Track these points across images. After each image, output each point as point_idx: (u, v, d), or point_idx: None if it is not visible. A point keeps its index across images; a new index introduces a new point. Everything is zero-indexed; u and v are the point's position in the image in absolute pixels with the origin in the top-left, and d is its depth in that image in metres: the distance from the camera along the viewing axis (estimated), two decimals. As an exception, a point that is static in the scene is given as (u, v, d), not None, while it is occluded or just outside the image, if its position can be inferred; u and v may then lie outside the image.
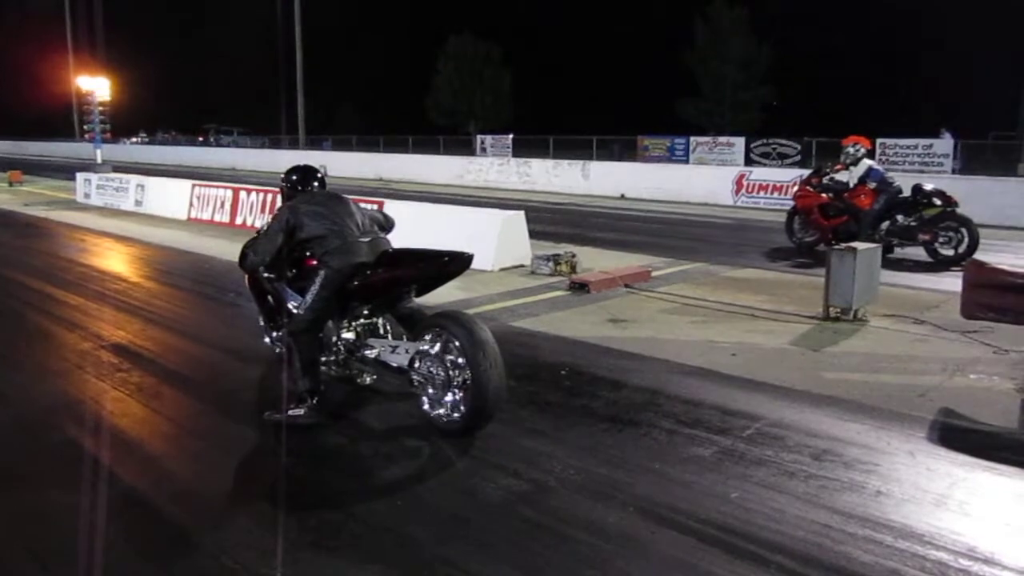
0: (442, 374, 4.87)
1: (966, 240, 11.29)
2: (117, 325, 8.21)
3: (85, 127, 22.08)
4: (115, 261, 12.55)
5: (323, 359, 5.43)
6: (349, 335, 5.56)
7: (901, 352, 6.91)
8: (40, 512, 4.12)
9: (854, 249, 7.78)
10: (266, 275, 5.99)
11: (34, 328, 8.21)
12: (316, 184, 5.84)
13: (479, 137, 36.40)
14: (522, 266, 10.96)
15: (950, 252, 11.38)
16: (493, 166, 28.44)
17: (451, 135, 43.52)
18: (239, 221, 14.91)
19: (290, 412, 5.18)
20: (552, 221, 16.49)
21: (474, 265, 10.26)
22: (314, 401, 5.21)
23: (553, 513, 4.02)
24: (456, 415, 4.83)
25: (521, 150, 32.11)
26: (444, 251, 5.21)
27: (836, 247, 8.12)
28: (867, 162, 12.24)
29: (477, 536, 3.81)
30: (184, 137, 63.38)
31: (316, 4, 40.14)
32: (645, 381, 6.12)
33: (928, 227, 11.51)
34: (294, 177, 5.86)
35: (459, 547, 3.71)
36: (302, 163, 6.17)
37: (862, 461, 4.61)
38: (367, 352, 5.43)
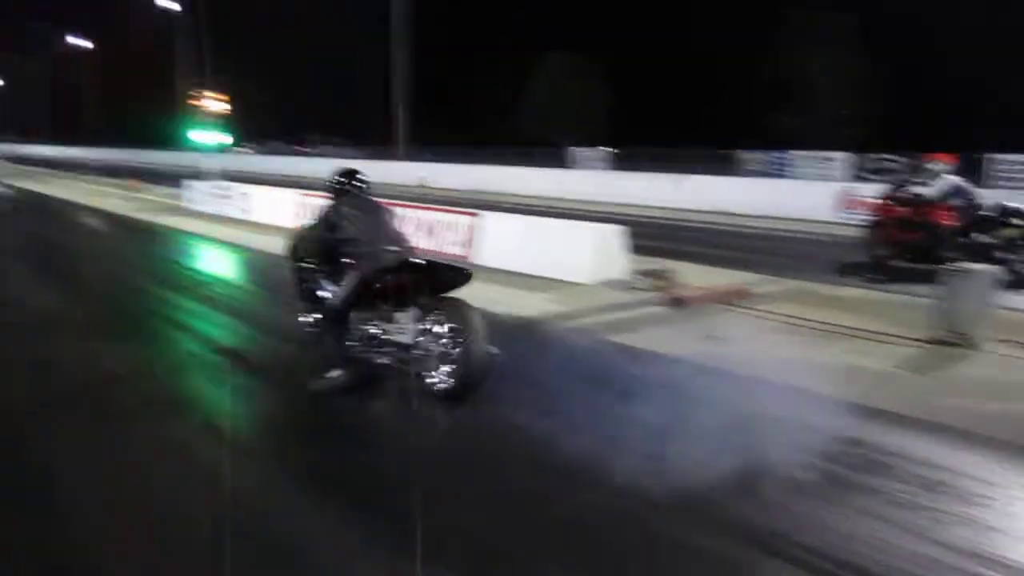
0: (438, 348, 5.76)
1: None
2: (226, 329, 8.54)
3: (195, 137, 23.05)
4: (222, 266, 13.04)
5: (347, 342, 6.18)
6: (369, 327, 6.18)
7: (1018, 379, 6.58)
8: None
9: (971, 270, 7.47)
10: (305, 264, 6.64)
11: (149, 329, 8.60)
12: (360, 188, 6.62)
13: (575, 150, 36.41)
14: (619, 280, 10.89)
15: None
16: (588, 179, 28.44)
17: (547, 147, 43.63)
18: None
19: (325, 376, 6.09)
20: (648, 235, 16.31)
21: (571, 278, 10.40)
22: (342, 372, 6.11)
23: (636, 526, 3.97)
24: (451, 380, 5.70)
25: (617, 163, 31.98)
26: (451, 265, 6.31)
27: (955, 266, 7.80)
28: (948, 178, 11.74)
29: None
30: (288, 147, 65.38)
31: (416, 16, 40.79)
32: (746, 401, 5.99)
33: (1008, 247, 10.97)
34: (341, 179, 6.63)
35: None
36: (349, 166, 6.91)
37: (977, 494, 4.42)
38: (381, 335, 6.12)
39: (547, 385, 6.46)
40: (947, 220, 11.39)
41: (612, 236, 11.30)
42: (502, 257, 11.85)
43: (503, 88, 62.16)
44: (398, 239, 6.41)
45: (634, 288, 10.49)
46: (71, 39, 77.42)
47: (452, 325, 5.72)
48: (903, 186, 12.44)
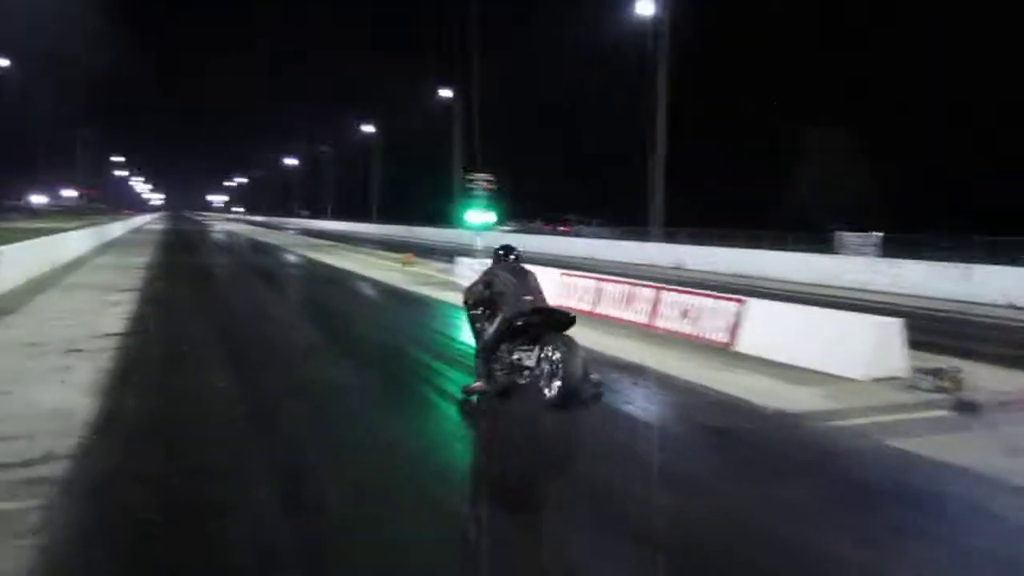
0: (548, 368, 7.94)
1: None
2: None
3: (466, 215, 24.49)
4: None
5: (495, 364, 8.38)
6: (509, 355, 8.34)
7: None
8: None
9: None
10: (472, 310, 8.91)
11: (421, 399, 9.09)
12: (513, 257, 8.91)
13: (841, 234, 34.67)
14: (897, 378, 10.05)
15: None
16: (857, 265, 26.85)
17: (809, 231, 41.88)
18: (600, 311, 15.47)
19: (473, 386, 8.46)
20: (930, 330, 15.04)
21: (842, 373, 9.79)
22: (487, 382, 8.37)
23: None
24: (555, 393, 7.79)
25: (890, 249, 29.99)
26: (565, 311, 8.79)
27: None
28: None
29: None
30: (547, 226, 67.89)
31: (671, 95, 41.15)
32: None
33: None
34: (500, 251, 9.05)
35: None
36: (507, 242, 9.42)
37: None
38: (515, 359, 8.29)
39: (818, 492, 6.06)
40: None
41: (890, 329, 10.49)
42: (767, 346, 11.39)
43: (763, 167, 60.87)
44: (534, 292, 8.52)
45: (915, 388, 9.64)
46: (362, 127, 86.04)
47: (560, 353, 7.83)
48: None
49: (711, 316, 12.60)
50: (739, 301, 12.29)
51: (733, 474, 6.52)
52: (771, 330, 11.54)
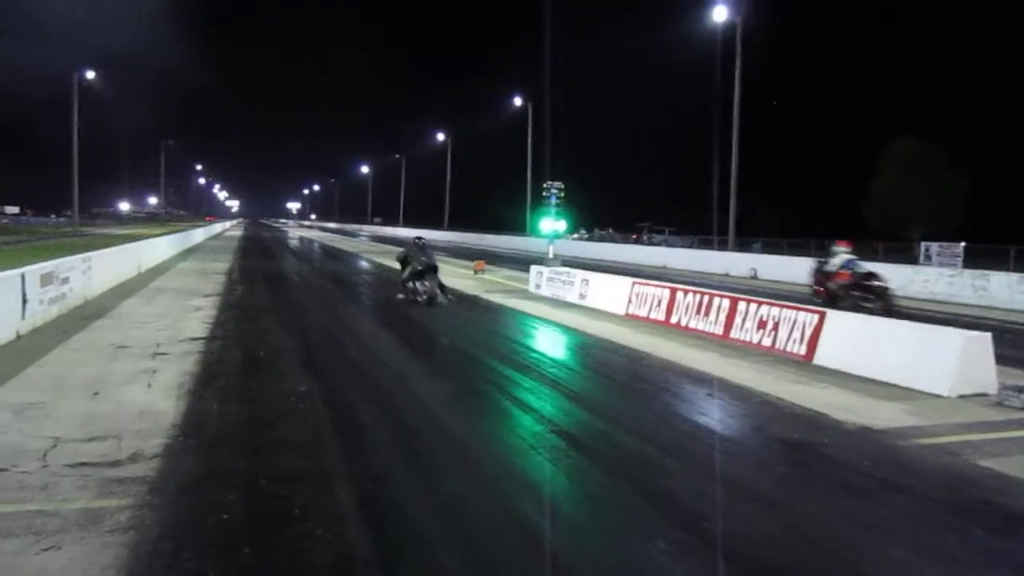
0: (423, 289, 17.81)
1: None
2: (563, 411, 8.83)
3: (540, 224, 24.62)
4: (560, 350, 13.58)
5: (409, 289, 18.22)
6: (413, 284, 18.00)
7: None
8: None
9: None
10: (402, 267, 18.77)
11: (495, 406, 9.13)
12: (420, 241, 19.02)
13: (924, 244, 33.62)
14: (984, 395, 9.71)
15: None
16: (942, 277, 25.96)
17: (890, 240, 40.71)
18: (674, 320, 15.31)
19: (399, 296, 18.54)
20: (1018, 344, 14.49)
21: (927, 389, 9.54)
22: (403, 296, 18.38)
23: None
24: (424, 299, 17.75)
25: (975, 260, 28.93)
26: (434, 266, 18.20)
27: None
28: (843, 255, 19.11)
29: None
30: (619, 235, 67.51)
31: (746, 105, 40.47)
32: None
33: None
34: (416, 239, 19.48)
35: None
36: (419, 233, 23.21)
37: None
38: (418, 286, 17.87)
39: (904, 512, 5.88)
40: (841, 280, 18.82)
41: (978, 343, 10.12)
42: (847, 359, 11.11)
43: (839, 175, 59.48)
44: (428, 259, 17.93)
45: (1004, 405, 9.29)
46: (435, 134, 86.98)
47: (427, 283, 17.58)
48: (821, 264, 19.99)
49: (789, 328, 12.35)
50: (819, 312, 12.02)
51: (810, 490, 6.37)
52: (852, 343, 11.25)
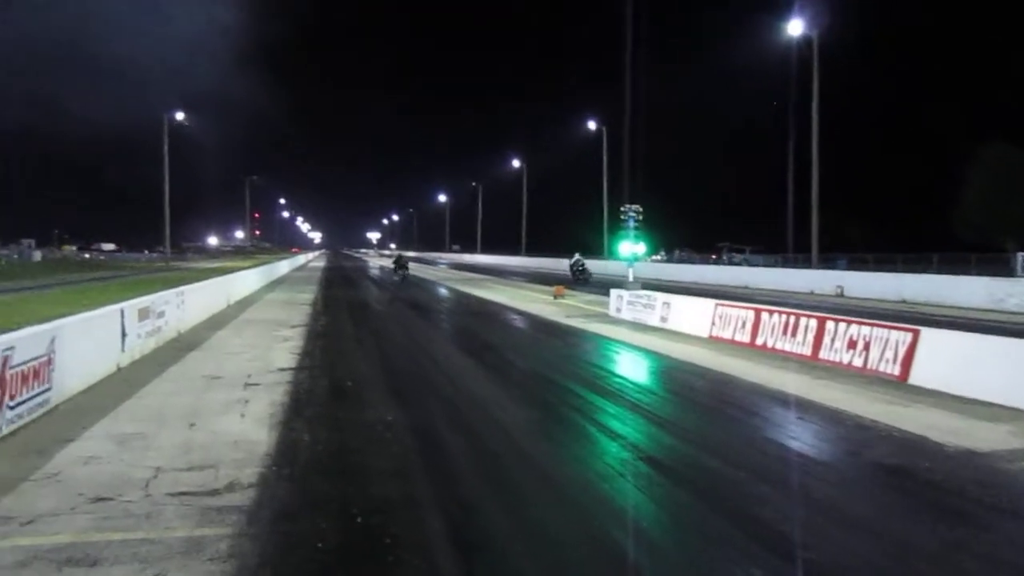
0: (402, 275, 42.96)
1: None
2: (650, 437, 8.73)
3: (619, 247, 24.53)
4: (643, 374, 13.46)
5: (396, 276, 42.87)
6: (398, 273, 43.67)
7: None
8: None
9: None
10: (393, 262, 47.45)
11: (579, 432, 9.08)
12: (399, 255, 51.37)
13: (1020, 255, 32.30)
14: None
15: None
16: (1043, 290, 24.82)
17: (984, 252, 39.16)
18: (760, 342, 15.01)
19: (393, 279, 43.09)
20: None
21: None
22: (396, 279, 42.65)
23: None
24: (399, 280, 41.83)
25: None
26: (406, 262, 45.55)
27: None
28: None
29: None
30: (698, 255, 66.69)
31: (825, 120, 39.61)
32: None
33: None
34: (399, 253, 59.10)
35: None
36: (401, 251, 60.85)
37: None
38: (398, 271, 43.81)
39: (1014, 540, 5.61)
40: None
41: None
42: (945, 378, 10.71)
43: (926, 186, 57.53)
44: (405, 261, 45.58)
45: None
46: (511, 161, 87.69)
47: (402, 273, 42.86)
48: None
49: (881, 347, 11.98)
50: (912, 331, 11.63)
51: (912, 517, 6.14)
52: (950, 361, 10.85)
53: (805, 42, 38.84)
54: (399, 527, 5.69)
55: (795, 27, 38.54)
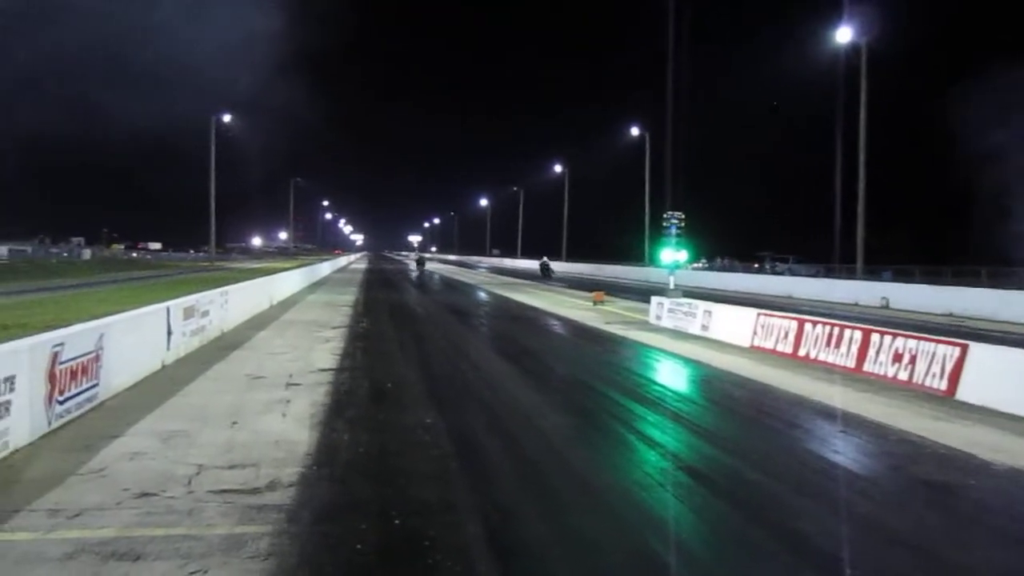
0: (419, 269, 67.27)
1: None
2: (690, 447, 8.65)
3: (661, 254, 24.44)
4: (683, 383, 13.36)
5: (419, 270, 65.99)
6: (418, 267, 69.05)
7: None
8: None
9: None
10: (416, 259, 76.94)
11: (618, 439, 9.03)
12: (420, 254, 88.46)
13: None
14: None
15: None
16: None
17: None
18: (802, 353, 14.81)
19: (412, 271, 65.41)
20: None
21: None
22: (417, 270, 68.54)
23: None
24: (418, 271, 64.82)
25: None
26: (423, 260, 75.72)
27: None
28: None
29: None
30: (740, 264, 66.04)
31: (874, 126, 39.08)
32: None
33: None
34: (420, 253, 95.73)
35: None
36: (421, 253, 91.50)
37: None
38: (419, 267, 68.62)
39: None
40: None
41: None
42: (993, 394, 10.48)
43: (978, 197, 56.30)
44: (423, 260, 73.49)
45: None
46: (553, 166, 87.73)
47: (422, 268, 67.19)
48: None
49: (927, 361, 11.75)
50: (961, 345, 11.39)
51: (957, 536, 6.02)
52: (999, 376, 10.61)
53: (853, 49, 38.37)
54: (437, 530, 5.70)
55: (843, 35, 38.11)
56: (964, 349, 11.26)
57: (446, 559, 5.21)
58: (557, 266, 73.23)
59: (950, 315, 27.50)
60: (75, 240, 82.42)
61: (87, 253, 68.75)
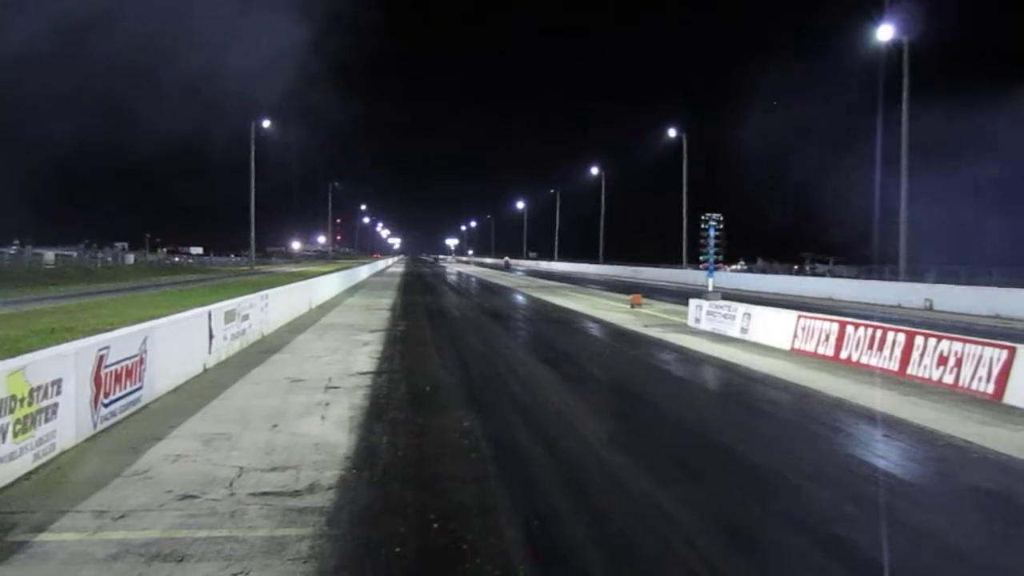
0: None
1: None
2: (729, 452, 8.55)
3: (701, 256, 24.23)
4: (722, 386, 13.21)
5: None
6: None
7: None
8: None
9: None
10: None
11: (656, 444, 8.95)
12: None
13: None
14: None
15: None
16: None
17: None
18: (844, 356, 14.59)
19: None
20: None
21: None
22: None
23: None
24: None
25: None
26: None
27: None
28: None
29: None
30: (781, 265, 65.34)
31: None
32: None
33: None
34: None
35: None
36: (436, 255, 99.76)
37: None
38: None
39: None
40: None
41: None
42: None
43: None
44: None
45: None
46: (589, 168, 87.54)
47: (434, 263, 58.79)
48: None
49: (974, 364, 11.51)
50: (1008, 348, 11.14)
51: (1009, 545, 5.87)
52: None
53: (895, 46, 37.77)
54: (476, 534, 5.70)
55: (885, 32, 37.53)
56: (1012, 352, 11.00)
57: (485, 563, 5.20)
58: (592, 269, 73.22)
59: (996, 316, 26.93)
60: (119, 245, 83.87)
61: (130, 258, 69.90)
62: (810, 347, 15.72)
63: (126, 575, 4.97)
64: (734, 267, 62.96)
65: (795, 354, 15.96)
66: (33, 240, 56.46)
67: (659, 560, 5.46)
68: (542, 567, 5.25)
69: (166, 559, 5.18)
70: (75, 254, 58.36)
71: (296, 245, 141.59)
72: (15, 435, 6.71)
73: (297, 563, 5.14)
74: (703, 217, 24.89)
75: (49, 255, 52.33)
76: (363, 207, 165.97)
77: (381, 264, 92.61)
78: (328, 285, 33.12)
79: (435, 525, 5.89)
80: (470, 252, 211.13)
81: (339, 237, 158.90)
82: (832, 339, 15.08)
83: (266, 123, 64.69)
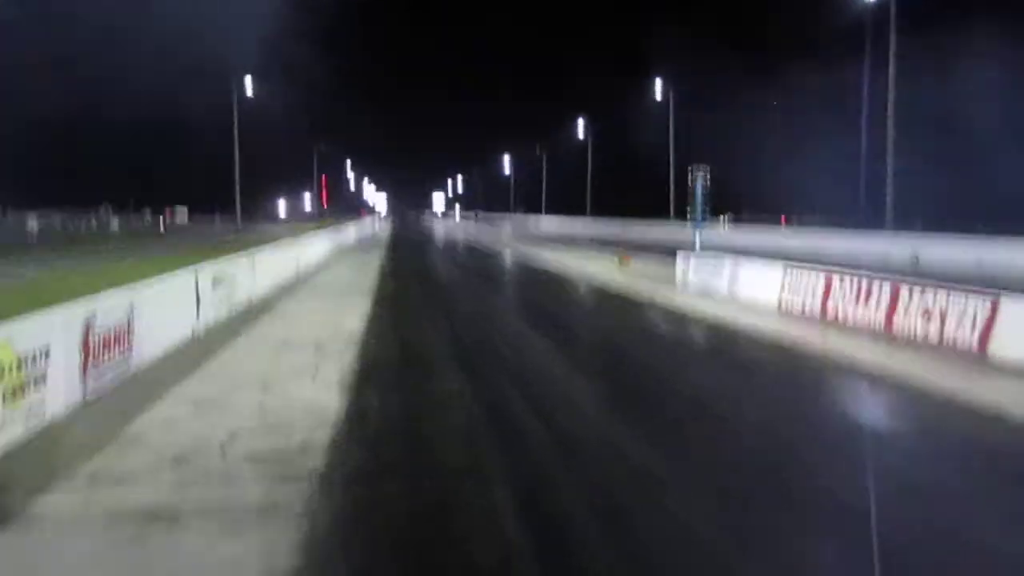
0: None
1: None
2: (711, 412, 8.64)
3: (688, 209, 24.15)
4: (710, 344, 13.32)
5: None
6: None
7: None
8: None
9: None
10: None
11: (647, 406, 9.04)
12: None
13: None
14: None
15: None
16: None
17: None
18: (830, 308, 14.63)
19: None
20: None
21: None
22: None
23: None
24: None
25: None
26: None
27: None
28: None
29: None
30: (766, 221, 65.34)
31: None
32: None
33: None
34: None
35: None
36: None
37: None
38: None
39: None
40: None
41: None
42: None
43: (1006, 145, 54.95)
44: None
45: None
46: (576, 120, 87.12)
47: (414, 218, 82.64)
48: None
49: (960, 315, 11.58)
50: (992, 295, 11.19)
51: (991, 494, 6.01)
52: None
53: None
54: (466, 495, 5.78)
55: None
56: (997, 301, 11.05)
57: (476, 522, 5.28)
58: (580, 225, 73.30)
59: (988, 270, 27.07)
60: (103, 206, 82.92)
61: (115, 222, 69.28)
62: (796, 299, 15.76)
63: (123, 537, 5.02)
64: (722, 222, 62.89)
65: (782, 309, 16.02)
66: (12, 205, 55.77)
67: (652, 525, 5.55)
68: (531, 525, 5.31)
69: (161, 523, 5.23)
70: (58, 223, 57.77)
71: (283, 205, 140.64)
72: (4, 403, 6.72)
73: (290, 523, 5.20)
74: (690, 168, 24.68)
75: (32, 223, 51.75)
76: (348, 162, 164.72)
77: (368, 221, 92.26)
78: (316, 246, 32.92)
79: (427, 486, 5.97)
80: (456, 207, 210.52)
81: (325, 194, 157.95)
82: (818, 291, 15.12)
83: (247, 79, 63.80)
